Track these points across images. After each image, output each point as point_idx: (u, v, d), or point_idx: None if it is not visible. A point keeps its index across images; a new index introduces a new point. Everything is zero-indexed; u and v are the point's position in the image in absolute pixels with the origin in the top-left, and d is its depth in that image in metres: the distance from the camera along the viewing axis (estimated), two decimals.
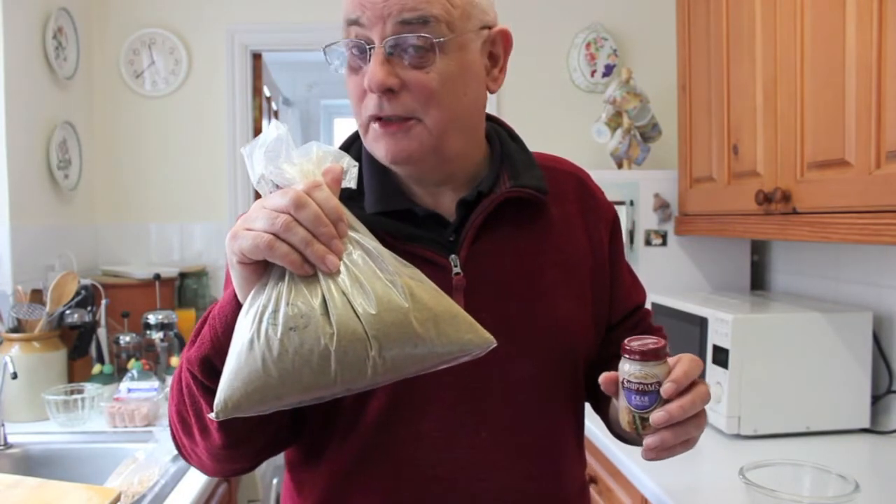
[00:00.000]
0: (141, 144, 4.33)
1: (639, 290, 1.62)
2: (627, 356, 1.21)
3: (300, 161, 1.08)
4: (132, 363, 3.24)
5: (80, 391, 2.93)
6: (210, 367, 1.15)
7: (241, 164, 4.32)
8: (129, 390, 2.99)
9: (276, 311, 1.01)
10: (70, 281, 3.18)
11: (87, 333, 3.35)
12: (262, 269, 1.06)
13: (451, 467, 1.33)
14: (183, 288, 4.18)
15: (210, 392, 1.15)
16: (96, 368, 3.32)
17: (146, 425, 2.85)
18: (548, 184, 1.44)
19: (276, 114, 6.02)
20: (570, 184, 1.52)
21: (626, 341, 1.23)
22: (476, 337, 1.07)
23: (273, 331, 1.00)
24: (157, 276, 3.87)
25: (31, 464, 2.67)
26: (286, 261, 1.02)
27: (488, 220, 1.38)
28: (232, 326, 1.07)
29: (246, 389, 1.00)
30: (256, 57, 4.50)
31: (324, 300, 1.01)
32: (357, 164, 1.12)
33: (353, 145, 1.46)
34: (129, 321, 3.68)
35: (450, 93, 1.28)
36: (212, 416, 1.01)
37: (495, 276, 1.37)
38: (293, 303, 1.01)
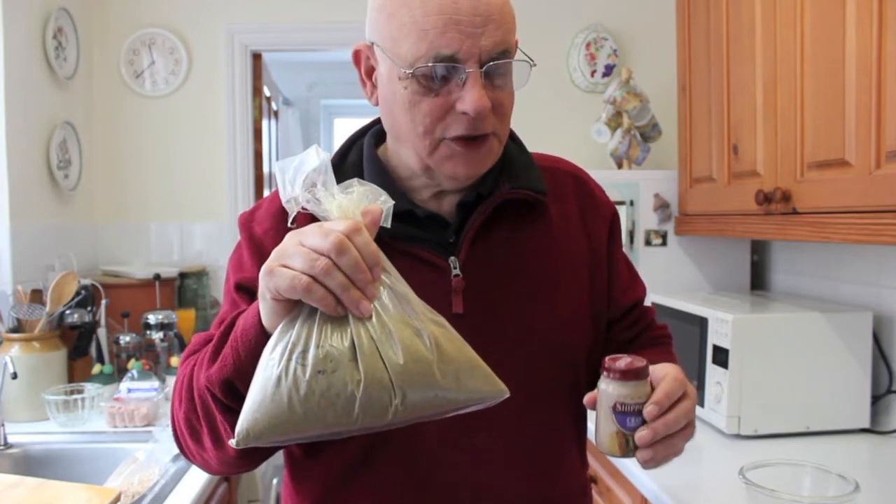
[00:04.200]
0: (141, 144, 4.32)
1: (637, 286, 1.62)
2: (607, 374, 1.23)
3: (339, 196, 1.09)
4: (132, 363, 3.23)
5: (80, 391, 2.93)
6: (231, 388, 1.17)
7: (242, 164, 4.33)
8: (129, 390, 2.99)
9: (305, 350, 1.03)
10: (70, 281, 3.18)
11: (87, 333, 3.35)
12: (292, 305, 1.07)
13: (450, 468, 1.33)
14: (183, 288, 4.17)
15: (228, 410, 1.18)
16: (96, 368, 3.32)
17: (146, 425, 2.85)
18: (547, 184, 1.46)
19: (276, 114, 6.02)
20: (569, 184, 1.53)
21: (606, 360, 1.25)
22: (492, 388, 1.11)
23: (301, 371, 1.02)
24: (157, 276, 3.87)
25: (31, 464, 2.67)
26: (321, 304, 1.04)
27: (488, 222, 1.39)
28: (255, 351, 1.10)
29: (269, 423, 1.02)
30: (256, 57, 4.49)
31: (353, 344, 1.04)
32: (393, 202, 1.14)
33: (352, 147, 1.48)
34: (129, 321, 3.68)
35: (511, 109, 1.37)
36: (232, 442, 1.04)
37: (494, 277, 1.38)
38: (322, 345, 1.03)
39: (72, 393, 2.91)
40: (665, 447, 1.24)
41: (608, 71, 4.29)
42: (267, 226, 1.42)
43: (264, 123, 4.86)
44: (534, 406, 1.38)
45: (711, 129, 3.12)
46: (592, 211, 1.53)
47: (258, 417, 1.02)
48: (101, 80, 4.29)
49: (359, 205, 1.09)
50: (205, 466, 1.37)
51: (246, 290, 1.39)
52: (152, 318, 3.62)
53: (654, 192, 3.56)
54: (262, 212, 1.46)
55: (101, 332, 3.51)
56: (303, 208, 1.10)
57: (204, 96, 4.33)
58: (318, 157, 1.10)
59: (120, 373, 3.36)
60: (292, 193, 1.11)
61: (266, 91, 4.96)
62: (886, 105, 2.00)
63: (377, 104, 1.38)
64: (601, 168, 3.92)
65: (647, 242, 3.55)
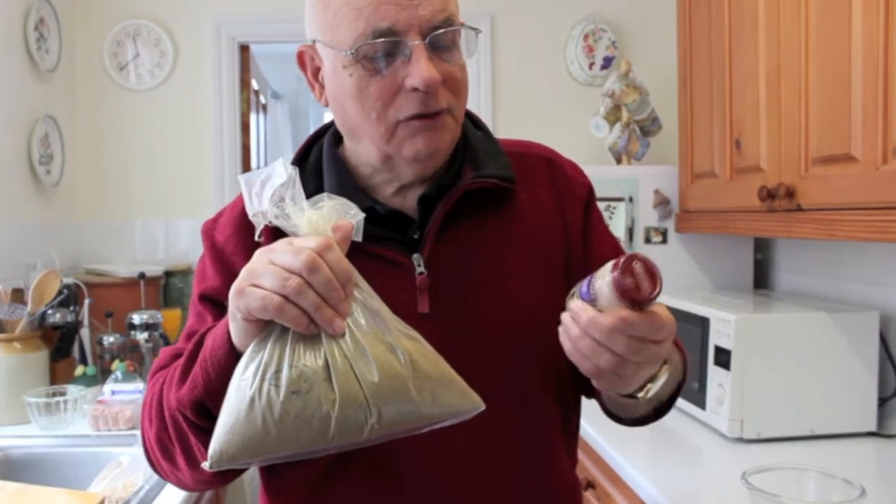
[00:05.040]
0: (125, 139, 4.31)
1: None
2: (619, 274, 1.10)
3: (309, 211, 1.09)
4: (116, 364, 3.22)
5: (63, 393, 2.91)
6: (203, 410, 1.17)
7: (228, 160, 4.32)
8: (113, 392, 2.98)
9: (278, 371, 1.04)
10: (52, 280, 3.17)
11: (69, 334, 3.34)
12: (264, 324, 1.08)
13: (427, 471, 1.33)
14: (168, 287, 4.17)
15: (201, 430, 1.18)
16: (79, 370, 3.31)
17: (130, 428, 2.83)
18: (516, 170, 1.45)
19: (264, 107, 6.02)
20: (540, 167, 1.52)
21: (625, 263, 1.11)
22: (468, 402, 1.12)
23: (275, 392, 1.03)
24: (142, 275, 3.86)
25: (12, 468, 2.66)
26: (294, 324, 1.05)
27: (452, 215, 1.38)
28: (226, 371, 1.11)
29: (243, 445, 1.03)
30: (244, 49, 4.48)
31: (326, 363, 1.05)
32: (364, 215, 1.14)
33: (313, 147, 1.49)
34: (112, 321, 3.67)
35: (467, 83, 1.36)
36: (205, 465, 1.05)
37: (461, 272, 1.38)
38: (295, 364, 1.04)
39: (54, 395, 2.90)
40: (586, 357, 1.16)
41: (607, 63, 4.29)
42: (228, 233, 1.42)
43: (252, 117, 4.86)
44: (512, 406, 1.36)
45: (713, 123, 3.12)
46: (566, 192, 1.50)
47: (232, 439, 1.03)
48: (84, 73, 4.28)
49: (329, 219, 1.10)
50: (179, 485, 1.38)
51: (210, 301, 1.40)
52: (137, 318, 3.61)
53: (654, 188, 3.55)
54: (224, 219, 1.46)
55: (84, 333, 3.50)
56: (270, 222, 1.10)
57: (190, 89, 4.33)
58: (285, 171, 1.10)
59: (103, 374, 3.35)
60: (259, 207, 1.11)
61: (254, 84, 4.97)
62: (894, 98, 1.99)
63: (327, 104, 1.38)
64: (599, 163, 3.92)
65: (647, 240, 3.55)
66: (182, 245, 4.35)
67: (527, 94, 4.29)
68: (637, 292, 1.09)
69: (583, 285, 1.17)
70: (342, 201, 1.12)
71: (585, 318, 1.12)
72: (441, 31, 1.26)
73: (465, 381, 1.13)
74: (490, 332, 1.36)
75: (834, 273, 3.08)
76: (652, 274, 1.10)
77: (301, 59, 1.40)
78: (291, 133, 7.87)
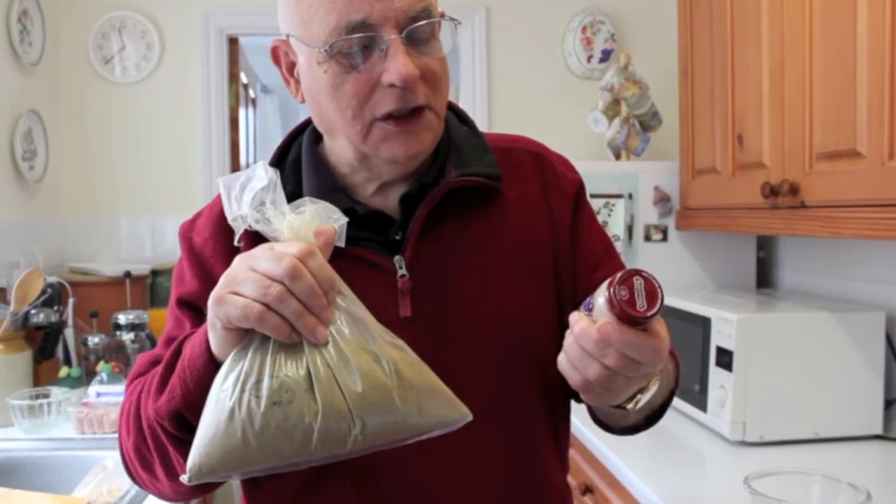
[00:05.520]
0: (111, 134, 4.30)
1: (615, 263, 1.52)
2: (610, 293, 1.08)
3: (290, 216, 1.08)
4: (101, 366, 3.22)
5: (46, 395, 2.90)
6: (182, 421, 1.16)
7: (217, 156, 4.31)
8: (98, 394, 2.97)
9: (258, 381, 1.03)
10: (35, 279, 3.16)
11: (53, 334, 3.33)
12: (244, 333, 1.07)
13: (411, 481, 1.32)
14: (155, 286, 4.16)
15: (180, 442, 1.18)
16: (63, 371, 3.31)
17: (115, 431, 2.81)
18: (503, 167, 1.44)
19: (253, 102, 6.02)
20: (528, 163, 1.50)
21: (621, 280, 1.09)
22: (455, 413, 1.12)
23: (256, 403, 1.02)
24: (128, 274, 3.86)
25: None
26: (275, 332, 1.03)
27: (434, 214, 1.37)
28: (205, 382, 1.10)
29: (223, 458, 1.03)
30: (233, 41, 4.47)
31: (308, 373, 1.04)
32: (347, 220, 1.13)
33: (292, 145, 1.48)
34: (97, 321, 3.66)
35: (447, 77, 1.34)
36: (184, 478, 1.04)
37: (444, 274, 1.37)
38: (277, 374, 1.03)
39: (37, 397, 2.89)
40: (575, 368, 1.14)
41: (605, 56, 4.29)
42: (206, 235, 1.41)
43: (241, 112, 4.85)
44: (500, 415, 1.35)
45: (715, 118, 3.11)
46: (555, 189, 1.49)
47: (211, 452, 1.02)
48: (69, 67, 4.27)
49: (311, 224, 1.09)
50: (159, 495, 1.38)
51: (188, 306, 1.39)
52: (122, 319, 3.61)
53: (653, 184, 3.55)
54: (202, 221, 1.45)
55: (69, 333, 3.50)
56: (250, 227, 1.09)
57: (177, 83, 4.32)
58: (266, 174, 1.09)
59: (88, 376, 3.35)
60: (239, 211, 1.10)
61: (243, 78, 4.96)
62: None
63: (303, 101, 1.37)
64: (598, 159, 3.91)
65: (647, 238, 3.55)
66: (169, 243, 4.33)
67: (523, 88, 4.28)
68: (631, 306, 1.07)
69: (588, 298, 1.16)
70: (325, 205, 1.11)
71: (578, 329, 1.10)
72: (419, 23, 1.25)
73: (450, 388, 1.11)
74: (475, 337, 1.35)
75: (839, 272, 3.08)
76: (652, 293, 1.08)
77: (275, 54, 1.40)
78: (281, 128, 7.87)
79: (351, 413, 1.03)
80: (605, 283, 1.10)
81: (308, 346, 1.05)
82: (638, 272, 1.09)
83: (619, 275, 1.08)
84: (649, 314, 1.07)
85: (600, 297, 1.10)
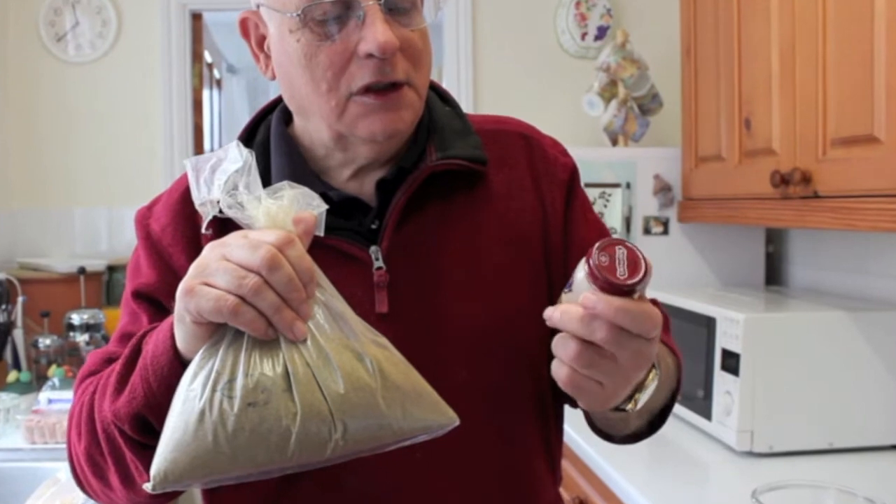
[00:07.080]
0: (63, 118, 4.29)
1: None
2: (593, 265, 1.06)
3: (267, 201, 1.07)
4: (53, 370, 3.23)
5: None
6: (143, 424, 1.14)
7: (179, 141, 4.31)
8: (50, 401, 2.99)
9: (231, 380, 1.01)
10: None
11: (0, 336, 3.32)
12: (215, 328, 1.06)
13: (383, 491, 1.31)
14: (112, 283, 4.17)
15: (139, 446, 1.16)
16: (12, 376, 3.32)
17: None
18: (489, 149, 1.44)
19: (218, 82, 6.01)
20: (517, 145, 1.50)
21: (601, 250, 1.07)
22: (440, 416, 1.10)
23: (229, 404, 1.00)
24: (82, 270, 3.86)
25: None
26: (251, 327, 1.02)
27: (414, 201, 1.36)
28: (170, 381, 1.08)
29: (191, 464, 1.00)
30: (196, 17, 4.49)
31: (286, 371, 1.02)
32: (327, 206, 1.11)
33: (260, 125, 1.47)
34: (49, 321, 3.68)
35: (429, 53, 1.34)
36: (147, 487, 1.02)
37: (425, 267, 1.36)
38: (251, 373, 1.02)
39: None
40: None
41: (601, 34, 4.29)
42: (165, 221, 1.40)
43: (205, 93, 4.86)
44: (486, 419, 1.34)
45: (720, 101, 3.12)
46: (547, 174, 1.48)
47: (178, 458, 1.00)
48: (17, 45, 4.26)
49: (290, 211, 1.07)
50: None
51: (145, 298, 1.37)
52: (76, 318, 3.62)
53: (653, 172, 3.55)
54: (161, 206, 1.44)
55: (18, 335, 3.50)
56: (221, 212, 1.07)
57: (136, 63, 4.32)
58: (240, 155, 1.08)
59: (39, 381, 3.37)
60: (209, 196, 1.08)
61: (207, 57, 4.96)
62: None
63: (274, 77, 1.37)
64: (593, 145, 3.92)
65: (647, 231, 3.55)
66: (127, 236, 4.31)
67: (511, 68, 4.28)
68: (612, 273, 1.04)
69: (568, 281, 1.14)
70: (304, 190, 1.09)
71: (559, 313, 1.08)
72: None
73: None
74: (458, 336, 1.34)
75: (854, 267, 3.09)
76: (635, 262, 1.05)
77: (244, 26, 1.40)
78: (249, 111, 7.81)
79: (332, 415, 1.01)
80: (584, 257, 1.08)
81: (285, 342, 1.03)
82: (621, 241, 1.07)
83: (598, 243, 1.06)
84: (631, 282, 1.04)
85: (580, 272, 1.09)
